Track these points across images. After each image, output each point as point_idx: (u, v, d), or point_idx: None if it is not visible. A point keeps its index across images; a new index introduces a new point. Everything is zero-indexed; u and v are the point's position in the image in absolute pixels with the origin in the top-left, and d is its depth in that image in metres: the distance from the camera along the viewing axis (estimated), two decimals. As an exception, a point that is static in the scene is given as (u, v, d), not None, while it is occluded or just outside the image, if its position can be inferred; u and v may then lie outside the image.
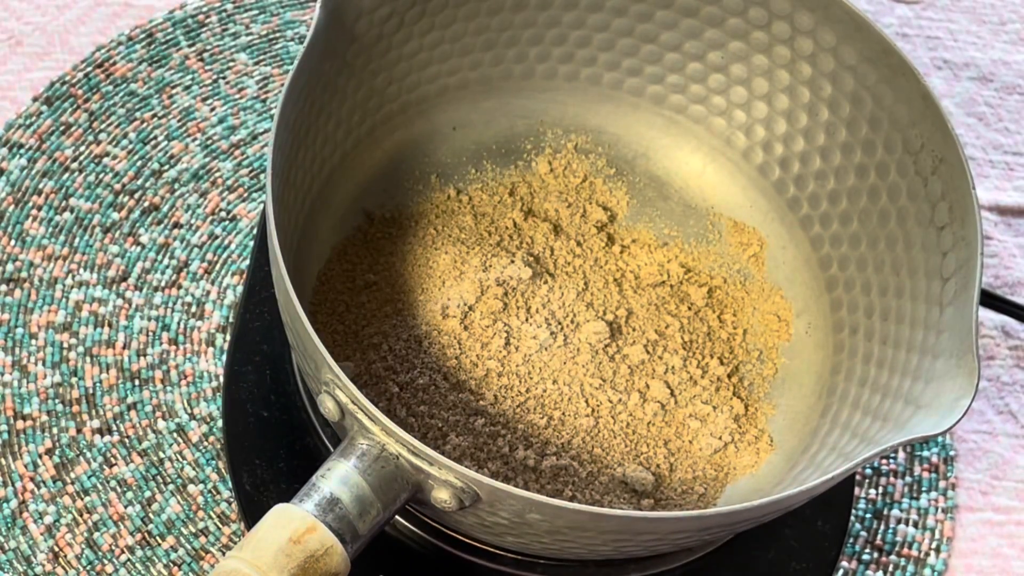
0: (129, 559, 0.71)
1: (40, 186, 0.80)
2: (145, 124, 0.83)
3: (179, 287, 0.78)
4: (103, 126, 0.82)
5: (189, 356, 0.76)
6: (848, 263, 0.73)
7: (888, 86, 0.71)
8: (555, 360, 0.71)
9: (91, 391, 0.75)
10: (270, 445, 0.70)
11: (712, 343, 0.74)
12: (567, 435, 0.69)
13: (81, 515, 0.72)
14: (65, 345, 0.76)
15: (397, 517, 0.67)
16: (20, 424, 0.73)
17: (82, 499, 0.72)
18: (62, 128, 0.82)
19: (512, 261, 0.73)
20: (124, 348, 0.76)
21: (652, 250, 0.76)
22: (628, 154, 0.79)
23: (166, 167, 0.82)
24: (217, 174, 0.82)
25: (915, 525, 0.77)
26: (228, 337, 0.76)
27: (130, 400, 0.75)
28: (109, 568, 0.70)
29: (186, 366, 0.76)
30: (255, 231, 0.79)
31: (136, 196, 0.80)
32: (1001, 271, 0.86)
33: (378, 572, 0.68)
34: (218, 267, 0.79)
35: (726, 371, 0.73)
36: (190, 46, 0.86)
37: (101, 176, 0.81)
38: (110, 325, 0.76)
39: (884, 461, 0.78)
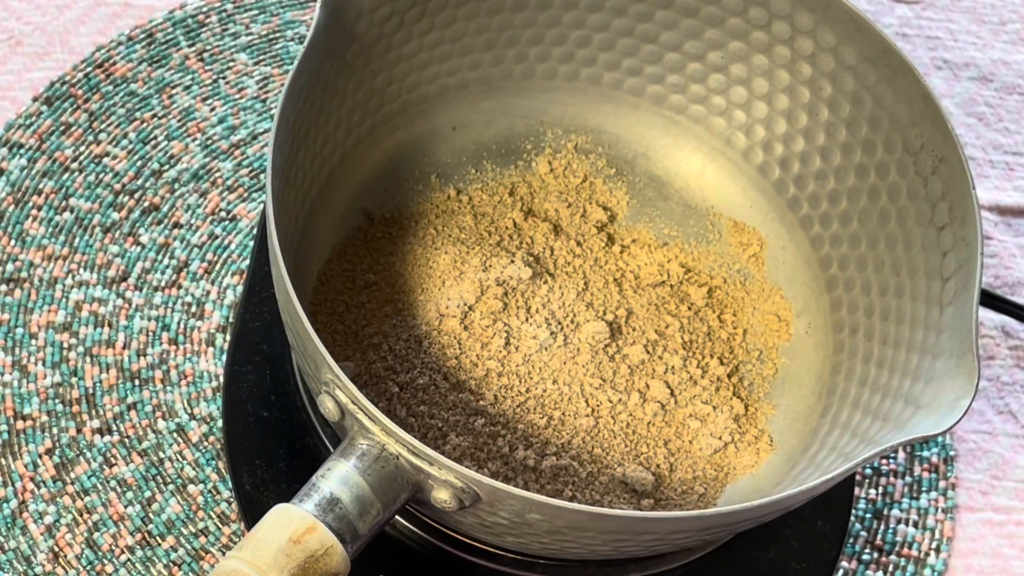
0: (129, 559, 0.71)
1: (40, 186, 0.80)
2: (145, 124, 0.83)
3: (179, 287, 0.78)
4: (103, 126, 0.82)
5: (189, 356, 0.76)
6: (848, 263, 0.73)
7: (888, 86, 0.71)
8: (555, 360, 0.71)
9: (91, 391, 0.75)
10: (270, 445, 0.70)
11: (712, 343, 0.74)
12: (567, 435, 0.69)
13: (81, 515, 0.71)
14: (65, 345, 0.76)
15: (397, 517, 0.67)
16: (20, 424, 0.73)
17: (82, 499, 0.72)
18: (62, 128, 0.82)
19: (512, 261, 0.73)
20: (124, 348, 0.76)
21: (652, 250, 0.76)
22: (628, 154, 0.79)
23: (166, 167, 0.81)
24: (217, 174, 0.82)
25: (915, 525, 0.77)
26: (228, 337, 0.76)
27: (130, 400, 0.74)
28: (109, 568, 0.70)
29: (186, 366, 0.76)
30: (255, 231, 0.79)
31: (136, 196, 0.80)
32: (1001, 271, 0.86)
33: (378, 572, 0.68)
34: (218, 267, 0.79)
35: (726, 371, 0.73)
36: (190, 46, 0.86)
37: (101, 176, 0.81)
38: (110, 325, 0.76)
39: (884, 461, 0.78)
